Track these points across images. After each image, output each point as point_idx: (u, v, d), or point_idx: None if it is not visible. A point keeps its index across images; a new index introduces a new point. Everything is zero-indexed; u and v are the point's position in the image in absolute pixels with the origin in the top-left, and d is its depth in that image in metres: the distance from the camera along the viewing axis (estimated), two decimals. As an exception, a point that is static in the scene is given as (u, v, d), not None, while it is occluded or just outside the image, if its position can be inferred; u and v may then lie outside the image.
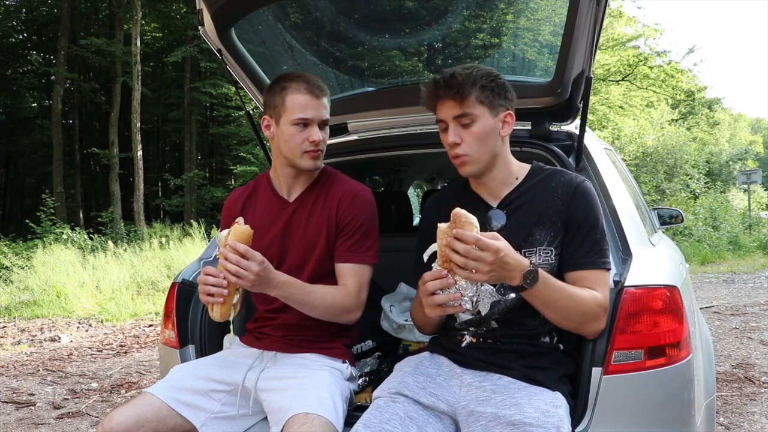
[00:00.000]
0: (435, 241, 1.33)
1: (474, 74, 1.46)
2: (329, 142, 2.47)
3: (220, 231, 1.58)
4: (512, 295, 1.46)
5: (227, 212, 1.84)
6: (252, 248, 1.47)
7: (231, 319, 1.53)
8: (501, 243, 1.28)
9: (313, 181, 1.78)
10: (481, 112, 1.47)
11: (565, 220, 1.47)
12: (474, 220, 1.29)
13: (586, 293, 1.40)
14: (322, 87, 1.71)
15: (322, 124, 1.71)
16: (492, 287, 1.36)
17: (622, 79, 20.81)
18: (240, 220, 1.53)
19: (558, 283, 1.38)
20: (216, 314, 1.50)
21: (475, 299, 1.33)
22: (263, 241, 1.68)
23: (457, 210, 1.29)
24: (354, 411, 1.68)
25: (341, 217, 1.72)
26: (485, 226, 1.52)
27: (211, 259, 2.10)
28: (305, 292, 1.61)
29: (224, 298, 1.48)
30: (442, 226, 1.31)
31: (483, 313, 1.37)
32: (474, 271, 1.26)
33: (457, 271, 1.27)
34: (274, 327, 1.76)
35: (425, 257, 1.37)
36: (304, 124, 1.67)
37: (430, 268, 1.34)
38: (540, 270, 1.33)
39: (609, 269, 1.47)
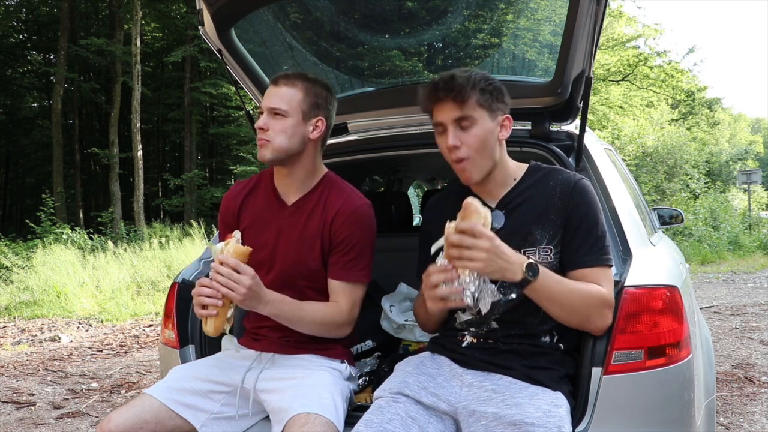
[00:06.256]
0: (436, 242, 1.35)
1: (473, 77, 1.45)
2: (329, 142, 2.47)
3: (218, 242, 1.56)
4: (513, 295, 1.46)
5: (225, 208, 1.81)
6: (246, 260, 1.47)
7: (226, 331, 1.53)
8: (494, 235, 1.31)
9: (313, 187, 1.74)
10: (481, 115, 1.46)
11: (564, 218, 1.47)
12: (484, 210, 1.30)
13: (590, 287, 1.41)
14: (291, 76, 1.65)
15: (272, 112, 1.63)
16: (494, 285, 1.36)
17: (622, 79, 20.82)
18: (237, 234, 1.52)
19: (559, 277, 1.39)
20: (210, 328, 1.49)
21: (476, 295, 1.34)
22: (257, 242, 1.66)
23: (468, 199, 1.32)
24: (354, 411, 1.68)
25: (335, 233, 1.67)
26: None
27: (211, 259, 2.09)
28: (296, 309, 1.60)
29: (218, 310, 1.46)
30: (450, 223, 1.32)
31: (483, 312, 1.37)
32: (471, 260, 1.27)
33: (455, 263, 1.29)
34: (271, 328, 1.74)
35: (433, 249, 1.39)
36: (261, 112, 1.65)
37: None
38: (539, 265, 1.35)
39: (611, 266, 1.47)
